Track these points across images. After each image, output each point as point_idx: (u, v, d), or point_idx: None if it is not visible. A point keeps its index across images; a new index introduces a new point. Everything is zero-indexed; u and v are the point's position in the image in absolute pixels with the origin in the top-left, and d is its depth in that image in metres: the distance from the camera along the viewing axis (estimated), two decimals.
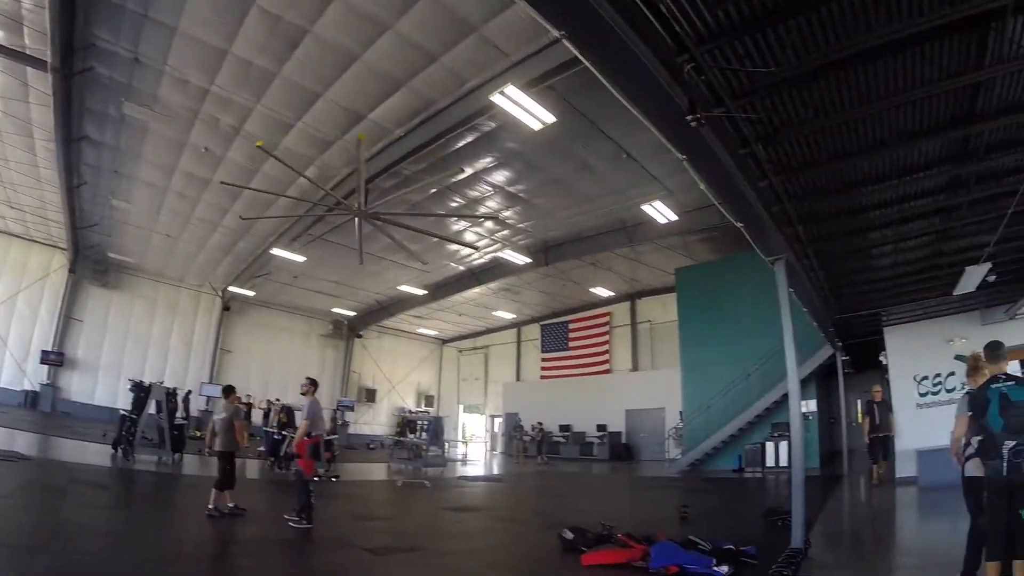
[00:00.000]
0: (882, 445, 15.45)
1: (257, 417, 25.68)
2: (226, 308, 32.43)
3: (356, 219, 15.08)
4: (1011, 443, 5.06)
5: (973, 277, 11.94)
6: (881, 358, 19.17)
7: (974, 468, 5.82)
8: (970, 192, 9.18)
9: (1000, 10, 5.45)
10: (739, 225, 7.99)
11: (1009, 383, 5.29)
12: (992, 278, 12.37)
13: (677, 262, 26.84)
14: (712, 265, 25.98)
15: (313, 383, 10.29)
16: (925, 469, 14.58)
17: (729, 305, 23.86)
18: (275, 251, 23.15)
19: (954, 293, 13.15)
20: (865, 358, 22.23)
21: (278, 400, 23.14)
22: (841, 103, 6.65)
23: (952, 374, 15.94)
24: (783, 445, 20.90)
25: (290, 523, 9.10)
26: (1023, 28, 5.75)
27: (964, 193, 9.23)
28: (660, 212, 18.61)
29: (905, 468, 15.60)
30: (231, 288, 30.48)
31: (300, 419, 10.46)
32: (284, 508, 9.61)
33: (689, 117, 5.26)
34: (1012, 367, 6.17)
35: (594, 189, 18.95)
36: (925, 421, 15.70)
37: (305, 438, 9.71)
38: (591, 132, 15.30)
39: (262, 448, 20.49)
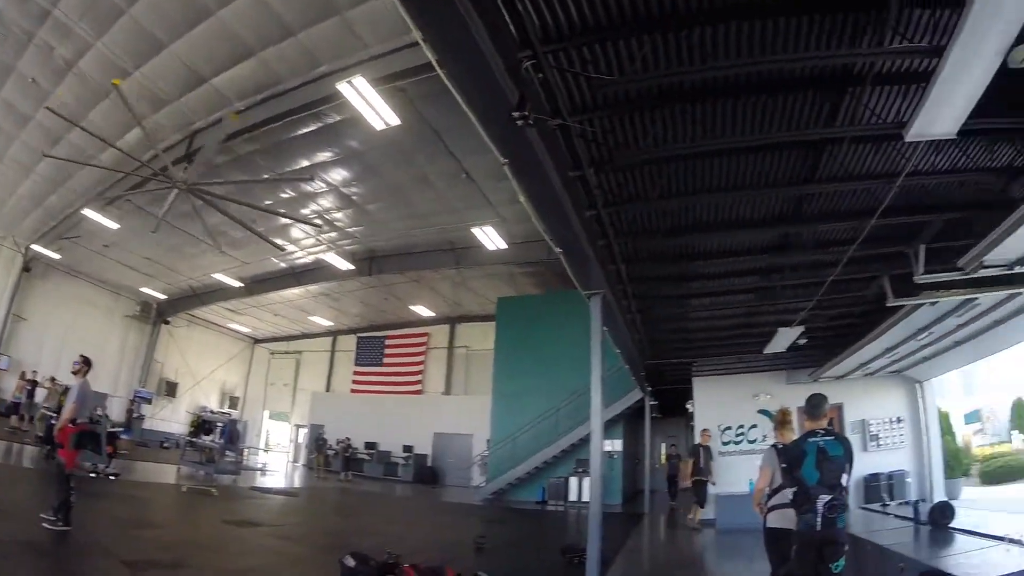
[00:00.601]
0: (702, 489, 15.52)
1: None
2: (26, 269, 27.58)
3: (175, 191, 13.78)
4: (826, 497, 5.06)
5: (784, 338, 12.48)
6: (688, 406, 19.85)
7: (777, 520, 5.82)
8: (795, 255, 9.43)
9: (860, 76, 5.62)
10: (558, 251, 7.58)
11: (828, 438, 5.29)
12: (803, 341, 12.96)
13: (501, 291, 26.78)
14: (534, 298, 26.31)
15: (87, 362, 8.90)
16: (723, 513, 15.13)
17: (546, 340, 24.03)
18: (87, 212, 20.43)
19: (764, 351, 13.76)
20: (673, 404, 23.09)
21: (53, 379, 20.87)
22: (684, 135, 6.39)
23: (755, 426, 16.97)
24: (586, 481, 20.93)
25: (44, 523, 7.74)
26: (880, 97, 5.90)
27: (789, 255, 9.47)
28: (490, 238, 18.52)
29: (704, 511, 15.88)
30: (35, 247, 26.26)
31: (68, 403, 9.14)
32: (46, 505, 8.13)
33: (516, 114, 4.69)
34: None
35: (429, 204, 18.44)
36: (726, 468, 16.38)
37: (69, 425, 8.47)
38: (435, 145, 14.78)
39: (40, 434, 18.10)
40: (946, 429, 17.94)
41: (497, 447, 24.40)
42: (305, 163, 16.60)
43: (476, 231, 18.35)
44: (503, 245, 18.83)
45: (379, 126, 13.04)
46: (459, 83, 4.82)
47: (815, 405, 5.56)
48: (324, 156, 16.29)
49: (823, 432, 5.35)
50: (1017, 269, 8.33)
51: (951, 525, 6.93)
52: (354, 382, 35.11)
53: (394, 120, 12.80)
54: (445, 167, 15.96)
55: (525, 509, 20.86)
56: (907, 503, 10.65)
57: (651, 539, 15.32)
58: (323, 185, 17.77)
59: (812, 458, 5.18)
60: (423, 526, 15.54)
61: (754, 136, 6.28)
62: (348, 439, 29.67)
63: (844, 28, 5.05)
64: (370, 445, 30.95)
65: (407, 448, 30.14)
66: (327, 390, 37.56)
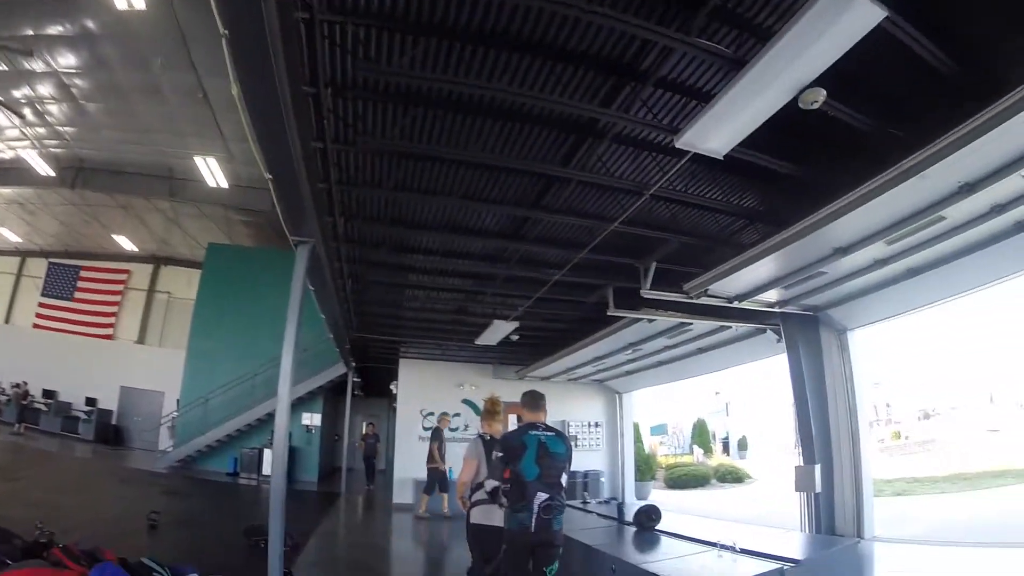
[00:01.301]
0: (441, 476, 14.27)
1: None
2: None
3: None
4: (543, 496, 4.65)
5: (498, 331, 12.32)
6: (392, 387, 19.46)
7: (480, 516, 5.17)
8: (527, 245, 9.01)
9: (646, 72, 5.38)
10: (269, 177, 5.96)
11: (549, 433, 4.93)
12: (516, 337, 12.96)
13: (215, 237, 24.14)
14: (248, 251, 24.01)
15: None
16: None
17: (253, 298, 21.74)
18: None
19: (476, 342, 13.45)
20: (377, 383, 22.49)
21: None
22: (446, 67, 5.30)
23: (458, 415, 16.98)
24: None
25: None
26: (659, 99, 5.75)
27: (521, 244, 9.00)
28: (212, 173, 16.75)
29: (403, 495, 15.77)
30: None
31: None
32: None
33: None
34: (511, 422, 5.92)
35: (155, 119, 15.85)
36: (426, 453, 16.10)
37: None
38: (178, 51, 12.75)
39: None
40: (637, 438, 19.49)
41: (187, 409, 21.68)
42: (30, 32, 13.44)
43: (199, 160, 16.44)
44: (224, 184, 17.11)
45: (121, 5, 11.28)
46: None
47: (536, 397, 5.21)
48: (54, 29, 13.26)
49: (543, 427, 4.98)
50: (736, 304, 8.82)
51: (657, 528, 6.91)
52: (38, 316, 29.14)
53: (140, 2, 11.12)
54: (182, 81, 13.90)
55: (214, 481, 18.94)
56: (604, 502, 10.95)
57: (347, 521, 14.51)
58: (44, 66, 14.52)
59: (532, 452, 4.76)
60: (94, 495, 13.19)
61: (523, 93, 5.44)
62: (25, 384, 24.86)
63: (653, 10, 4.67)
64: (48, 393, 25.92)
65: (90, 401, 25.71)
66: (6, 322, 30.22)
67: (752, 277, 7.99)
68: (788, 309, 9.31)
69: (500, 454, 4.93)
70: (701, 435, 29.43)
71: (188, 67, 13.24)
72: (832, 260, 7.15)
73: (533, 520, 4.61)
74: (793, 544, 6.44)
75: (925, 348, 29.97)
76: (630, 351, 13.37)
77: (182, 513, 11.98)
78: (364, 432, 21.50)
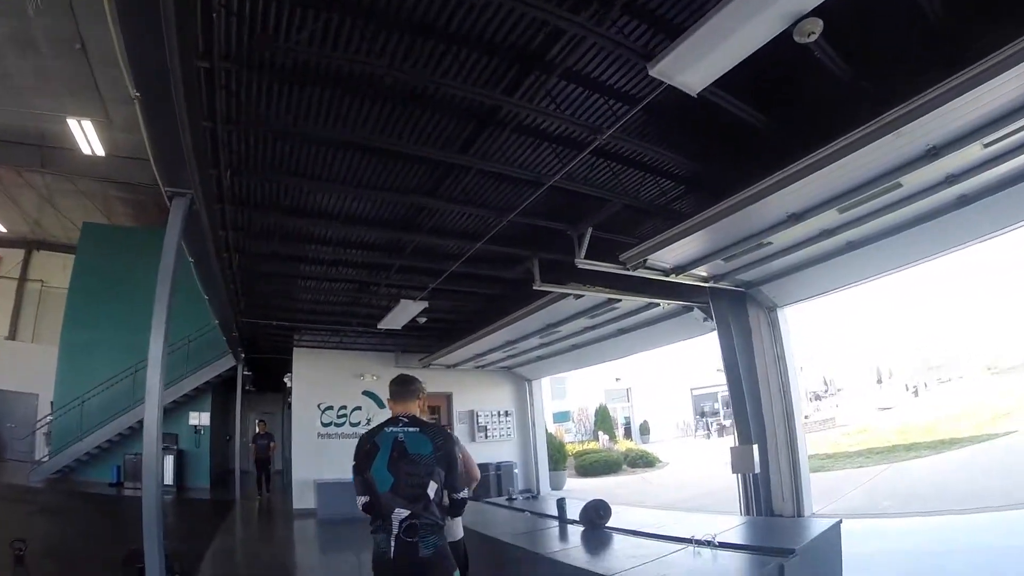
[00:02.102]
0: None
1: None
2: None
3: None
4: (404, 512, 3.40)
5: (405, 312, 11.06)
6: (286, 379, 17.92)
7: None
8: (446, 204, 7.69)
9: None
10: (136, 96, 4.24)
11: (412, 429, 3.62)
12: (423, 320, 11.86)
13: (92, 217, 21.31)
14: (128, 231, 21.21)
15: None
16: (324, 501, 13.65)
17: (134, 285, 18.04)
18: None
19: (379, 326, 12.03)
20: (270, 377, 20.55)
21: None
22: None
23: (359, 408, 15.69)
24: (170, 459, 17.24)
25: None
26: (629, 22, 4.89)
27: (439, 201, 7.60)
28: (87, 138, 14.40)
29: (304, 499, 14.29)
30: None
31: None
32: None
33: None
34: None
35: (27, 76, 13.36)
36: (326, 452, 14.82)
37: None
38: None
39: None
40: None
41: (61, 412, 18.71)
42: None
43: (72, 123, 14.13)
44: (101, 151, 14.89)
45: None
46: None
47: (404, 382, 3.87)
48: None
49: (407, 420, 3.67)
50: (672, 277, 8.11)
51: (608, 525, 5.96)
52: None
53: None
54: (59, 29, 11.71)
55: (95, 493, 16.19)
56: (533, 496, 10.12)
57: (246, 534, 12.75)
58: None
59: (385, 455, 3.52)
60: None
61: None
62: None
63: None
64: None
65: None
66: None
67: (698, 246, 7.23)
68: (721, 285, 8.67)
69: (354, 462, 3.66)
70: (604, 421, 29.34)
71: (66, 12, 11.20)
72: (785, 227, 6.51)
73: (392, 544, 3.40)
74: (771, 532, 5.74)
75: (813, 331, 30.93)
76: (544, 334, 12.47)
77: (55, 537, 9.99)
78: (256, 431, 19.61)
